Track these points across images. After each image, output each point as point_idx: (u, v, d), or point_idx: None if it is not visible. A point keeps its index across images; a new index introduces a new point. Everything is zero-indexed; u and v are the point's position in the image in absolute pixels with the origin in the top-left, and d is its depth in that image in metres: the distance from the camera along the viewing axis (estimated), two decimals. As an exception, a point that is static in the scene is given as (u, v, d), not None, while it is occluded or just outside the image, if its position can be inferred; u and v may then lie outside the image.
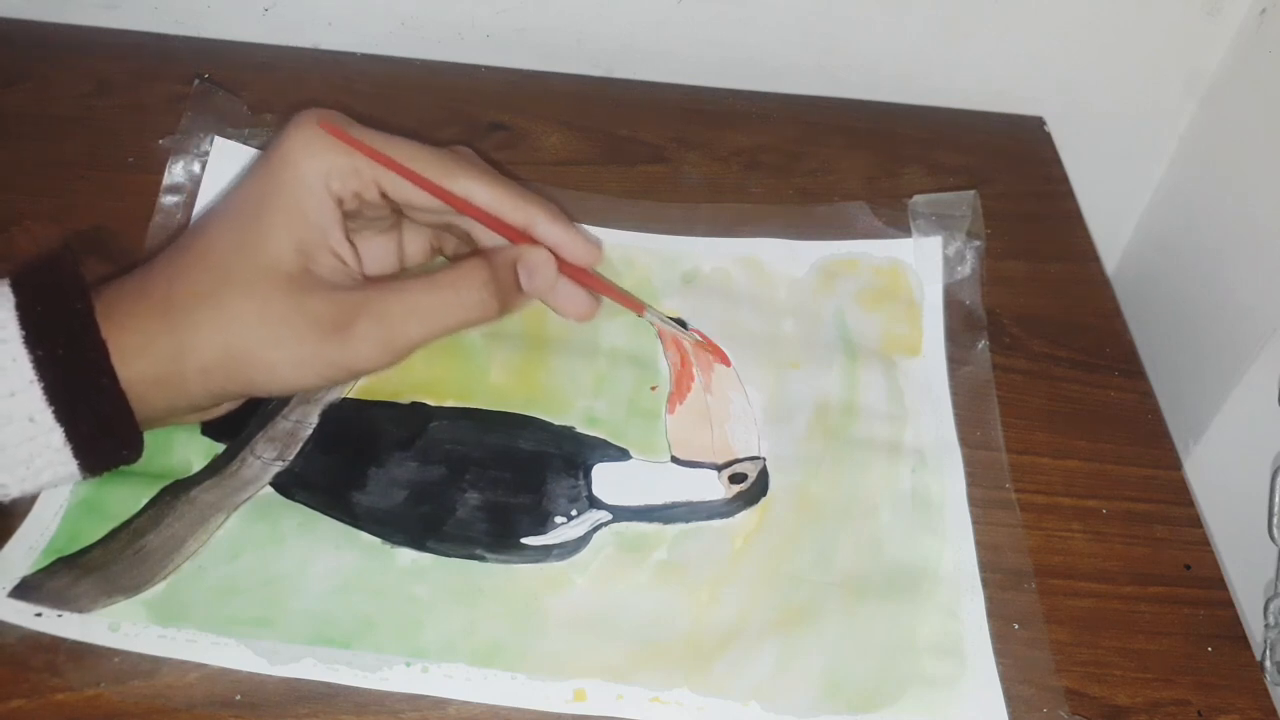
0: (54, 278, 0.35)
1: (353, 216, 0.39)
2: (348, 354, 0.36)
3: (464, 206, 0.39)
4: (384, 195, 0.39)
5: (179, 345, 0.35)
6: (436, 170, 0.38)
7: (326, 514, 0.39)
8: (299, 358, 0.36)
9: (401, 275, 0.43)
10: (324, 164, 0.37)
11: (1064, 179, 0.60)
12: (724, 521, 0.41)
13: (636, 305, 0.44)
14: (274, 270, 0.36)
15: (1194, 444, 0.59)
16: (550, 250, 0.40)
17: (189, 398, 0.36)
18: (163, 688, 0.35)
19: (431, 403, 0.43)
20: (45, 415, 0.33)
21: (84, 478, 0.36)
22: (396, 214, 0.42)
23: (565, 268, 0.41)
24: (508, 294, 0.39)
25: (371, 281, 0.39)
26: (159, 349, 0.35)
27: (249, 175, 0.38)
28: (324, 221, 0.37)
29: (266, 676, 0.35)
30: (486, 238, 0.41)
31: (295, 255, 0.37)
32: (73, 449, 0.34)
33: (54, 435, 0.34)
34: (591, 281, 0.42)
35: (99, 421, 0.35)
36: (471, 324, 0.39)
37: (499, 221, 0.40)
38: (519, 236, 0.40)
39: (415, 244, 0.43)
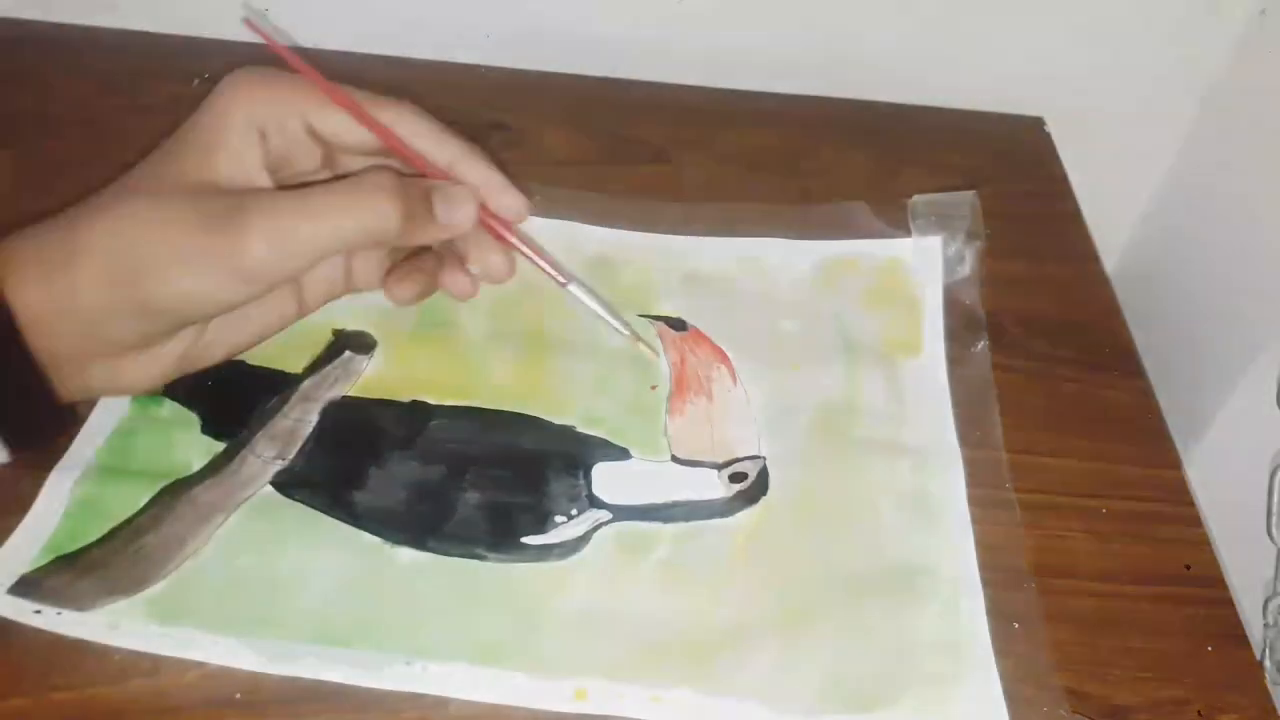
0: None
1: (285, 159, 0.39)
2: (234, 247, 0.35)
3: (385, 135, 0.39)
4: (312, 134, 0.39)
5: (73, 250, 0.35)
6: (365, 100, 0.38)
7: (327, 513, 0.39)
8: (185, 252, 0.35)
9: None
10: (249, 94, 0.37)
11: (1064, 179, 0.60)
12: (724, 521, 0.41)
13: (560, 276, 0.42)
14: (178, 180, 0.36)
15: (1194, 444, 0.59)
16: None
17: (87, 316, 0.35)
18: (163, 686, 0.35)
19: (432, 401, 0.43)
20: None
21: (10, 448, 0.35)
22: (327, 166, 0.41)
23: (486, 215, 0.40)
24: (414, 213, 0.38)
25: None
26: (53, 257, 0.35)
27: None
28: (241, 146, 0.37)
29: (266, 675, 0.35)
30: None
31: (204, 171, 0.36)
32: None
33: None
34: (513, 240, 0.41)
35: (9, 383, 0.34)
36: (371, 233, 0.37)
37: (421, 159, 0.39)
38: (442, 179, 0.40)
39: (366, 267, 0.43)
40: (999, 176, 0.59)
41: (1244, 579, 0.50)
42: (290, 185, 0.39)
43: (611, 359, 0.46)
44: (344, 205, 0.37)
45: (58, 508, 0.38)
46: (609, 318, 0.44)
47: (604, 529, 0.40)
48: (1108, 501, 0.44)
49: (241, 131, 0.37)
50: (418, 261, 0.43)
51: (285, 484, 0.40)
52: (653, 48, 0.63)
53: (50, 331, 0.35)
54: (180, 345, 0.39)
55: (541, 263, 0.43)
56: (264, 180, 0.38)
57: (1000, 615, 0.39)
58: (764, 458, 0.43)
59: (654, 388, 0.45)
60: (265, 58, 0.59)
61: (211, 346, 0.40)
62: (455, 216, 0.39)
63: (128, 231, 0.35)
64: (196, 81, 0.51)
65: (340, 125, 0.38)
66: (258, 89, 0.38)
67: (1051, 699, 0.37)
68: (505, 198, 0.40)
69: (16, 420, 0.35)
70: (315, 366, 0.44)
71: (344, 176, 0.41)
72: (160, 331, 0.38)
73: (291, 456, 0.41)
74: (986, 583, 0.40)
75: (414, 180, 0.39)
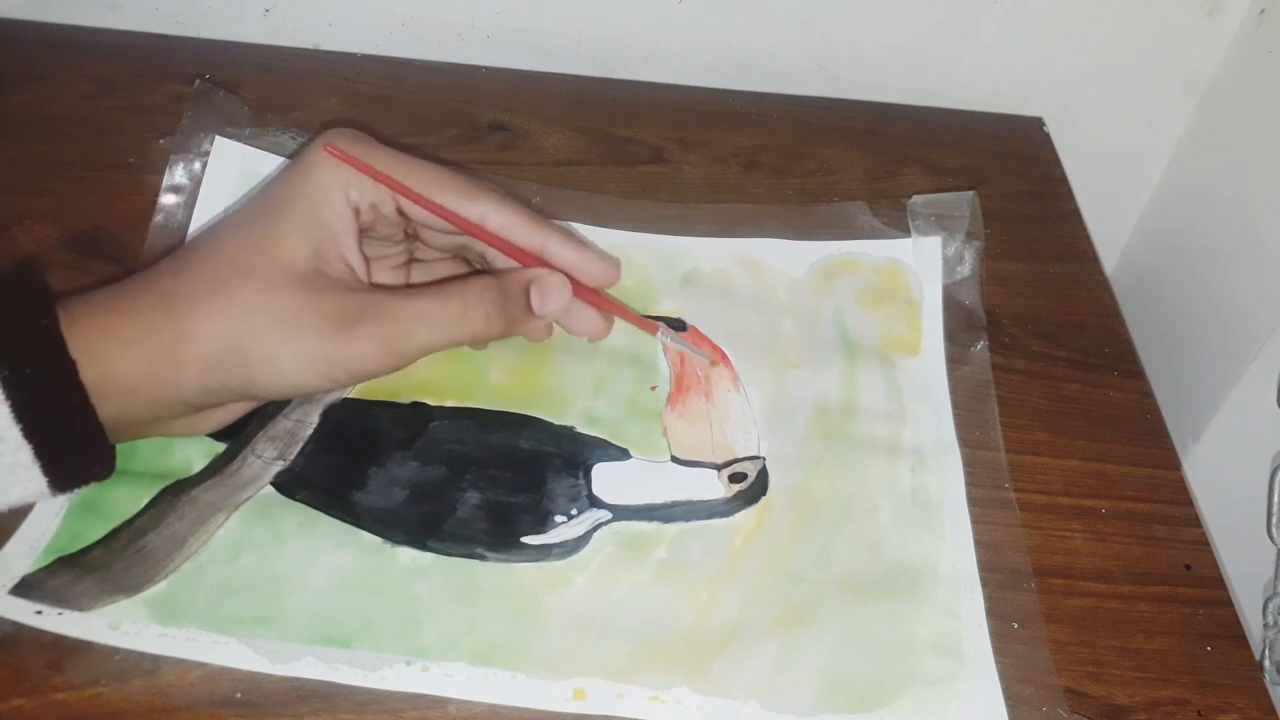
0: (19, 293, 0.35)
1: (369, 231, 0.39)
2: (350, 352, 0.36)
3: (476, 229, 0.39)
4: (400, 212, 0.39)
5: (179, 334, 0.35)
6: (452, 193, 0.39)
7: (327, 513, 0.39)
8: (303, 353, 0.36)
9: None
10: (344, 173, 0.38)
11: (1063, 179, 0.60)
12: (724, 521, 0.41)
13: (649, 326, 0.44)
14: (287, 267, 0.36)
15: (1193, 444, 0.59)
16: (566, 273, 0.40)
17: (181, 393, 0.36)
18: (163, 686, 0.35)
19: (432, 402, 0.43)
20: (13, 432, 0.33)
21: (54, 495, 0.35)
22: (412, 239, 0.42)
23: (579, 289, 0.41)
24: (515, 314, 0.39)
25: (380, 287, 0.39)
26: (156, 338, 0.35)
27: (270, 183, 0.39)
28: (339, 228, 0.38)
29: (267, 675, 0.35)
30: (502, 264, 0.41)
31: (309, 256, 0.37)
32: (41, 465, 0.34)
33: (22, 452, 0.34)
34: (604, 303, 0.42)
35: (68, 438, 0.35)
36: (475, 339, 0.39)
37: (513, 246, 0.40)
38: (533, 261, 0.40)
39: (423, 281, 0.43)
40: (999, 176, 0.59)
41: (1244, 579, 0.51)
42: (371, 255, 0.40)
43: (611, 359, 0.46)
44: (453, 315, 0.38)
45: (58, 508, 0.38)
46: (694, 353, 0.46)
47: (604, 529, 0.40)
48: (1107, 501, 0.44)
49: (339, 210, 0.38)
50: None
51: (286, 484, 0.40)
52: (652, 48, 0.63)
53: (142, 401, 0.36)
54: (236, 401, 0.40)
55: (633, 319, 0.44)
56: (359, 259, 0.38)
57: (1000, 615, 0.39)
58: (763, 458, 0.43)
59: (654, 388, 0.45)
60: (264, 59, 0.59)
61: (289, 397, 0.42)
62: (549, 306, 0.40)
63: (240, 324, 0.35)
64: (197, 81, 0.50)
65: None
66: (353, 170, 0.38)
67: (1051, 699, 0.37)
68: (595, 268, 0.41)
69: (70, 473, 0.36)
70: (315, 367, 0.44)
71: (416, 239, 0.42)
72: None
73: (292, 457, 0.41)
74: (986, 583, 0.40)
75: (512, 279, 0.40)
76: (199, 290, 0.36)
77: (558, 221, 0.49)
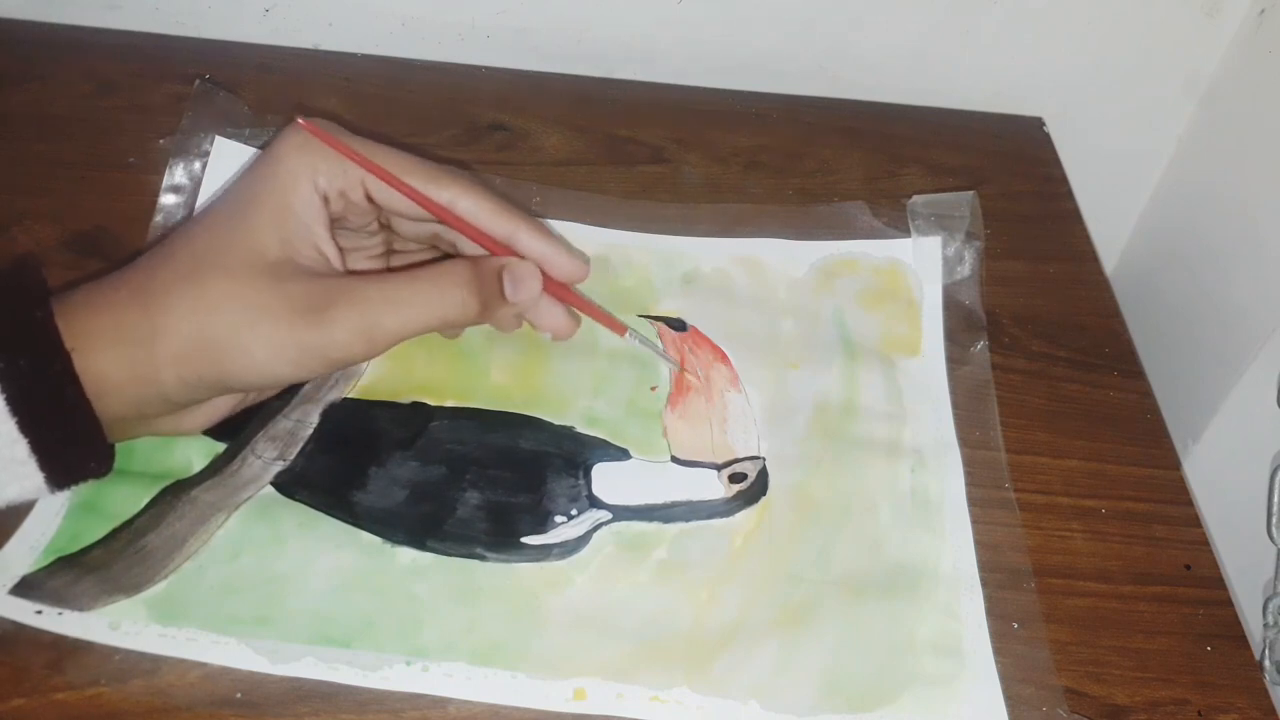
0: (15, 287, 0.35)
1: (340, 220, 0.39)
2: (323, 338, 0.36)
3: (444, 214, 0.39)
4: (370, 200, 0.39)
5: (153, 328, 0.35)
6: (421, 177, 0.39)
7: (327, 513, 0.39)
8: (274, 341, 0.36)
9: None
10: (312, 161, 0.38)
11: (1063, 179, 0.60)
12: (724, 521, 0.41)
13: (618, 326, 0.44)
14: (256, 257, 0.36)
15: (1193, 444, 0.59)
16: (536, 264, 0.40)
17: (161, 389, 0.36)
18: (163, 686, 0.35)
19: (432, 402, 0.43)
20: (8, 426, 0.33)
21: (51, 491, 0.35)
22: (388, 229, 0.42)
23: (548, 283, 0.40)
24: (489, 298, 0.39)
25: (353, 274, 0.39)
26: (132, 334, 0.35)
27: (241, 175, 0.39)
28: (309, 216, 0.38)
29: (267, 675, 0.35)
30: (473, 254, 0.41)
31: (279, 246, 0.37)
32: (38, 460, 0.34)
33: (18, 447, 0.34)
34: (573, 299, 0.42)
35: (65, 432, 0.34)
36: (449, 323, 0.39)
37: (481, 233, 0.40)
38: (502, 251, 0.40)
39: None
40: (999, 176, 0.59)
41: (1244, 579, 0.51)
42: (348, 247, 0.41)
43: (611, 359, 0.46)
44: (427, 299, 0.38)
45: (59, 508, 0.38)
46: (661, 357, 0.45)
47: (604, 529, 0.40)
48: (1107, 501, 0.44)
49: (308, 200, 0.38)
50: None
51: (286, 484, 0.40)
52: (652, 48, 0.63)
53: (124, 399, 0.35)
54: (241, 395, 0.40)
55: (601, 317, 0.43)
56: (331, 248, 0.38)
57: (1000, 615, 0.39)
58: (763, 458, 0.43)
59: (654, 388, 0.45)
60: (264, 59, 0.59)
61: (268, 390, 0.42)
62: (522, 294, 0.40)
63: (211, 315, 0.35)
64: (197, 81, 0.50)
65: (397, 195, 0.39)
66: (320, 158, 0.38)
67: (1051, 699, 0.37)
68: (564, 262, 0.41)
69: (67, 468, 0.35)
70: (315, 367, 0.44)
71: (397, 235, 0.42)
72: (232, 396, 0.39)
73: (292, 457, 0.41)
74: (986, 583, 0.40)
75: (486, 264, 0.39)
76: (171, 284, 0.36)
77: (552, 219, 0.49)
